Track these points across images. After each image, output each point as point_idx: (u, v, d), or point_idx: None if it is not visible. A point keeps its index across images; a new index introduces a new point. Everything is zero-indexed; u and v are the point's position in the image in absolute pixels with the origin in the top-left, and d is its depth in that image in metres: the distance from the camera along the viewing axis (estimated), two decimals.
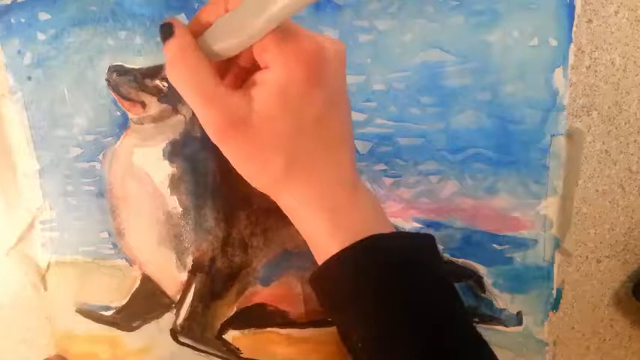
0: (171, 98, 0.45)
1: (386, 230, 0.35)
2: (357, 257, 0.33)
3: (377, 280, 0.33)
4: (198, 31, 0.33)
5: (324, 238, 0.34)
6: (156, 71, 0.45)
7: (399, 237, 0.37)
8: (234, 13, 0.32)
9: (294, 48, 0.31)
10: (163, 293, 0.49)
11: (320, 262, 0.35)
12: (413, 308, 0.33)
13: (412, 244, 0.36)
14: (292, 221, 0.36)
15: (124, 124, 0.47)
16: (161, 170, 0.46)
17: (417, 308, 0.33)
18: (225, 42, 0.32)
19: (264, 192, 0.35)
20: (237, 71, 0.36)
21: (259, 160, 0.33)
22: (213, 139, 0.33)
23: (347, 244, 0.33)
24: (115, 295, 0.50)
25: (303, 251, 0.47)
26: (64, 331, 0.51)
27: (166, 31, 0.32)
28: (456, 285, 0.43)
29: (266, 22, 0.30)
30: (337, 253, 0.33)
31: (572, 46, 0.43)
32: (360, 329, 0.34)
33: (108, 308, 0.50)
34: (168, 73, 0.32)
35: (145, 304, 0.50)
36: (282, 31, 0.31)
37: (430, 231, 0.46)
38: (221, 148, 0.33)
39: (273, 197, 0.36)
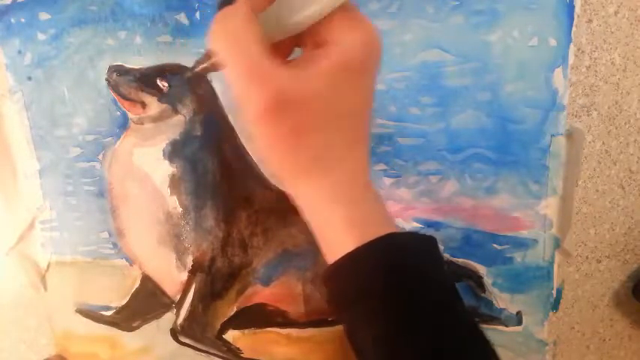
0: (171, 98, 0.45)
1: (395, 229, 0.35)
2: (374, 255, 0.33)
3: (391, 279, 0.33)
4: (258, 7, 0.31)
5: (339, 234, 0.34)
6: (156, 71, 0.45)
7: (413, 238, 0.36)
8: None
9: (365, 28, 0.31)
10: (163, 293, 0.49)
11: (330, 257, 0.35)
12: (423, 309, 0.33)
13: (423, 245, 0.35)
14: (304, 214, 0.35)
15: (124, 124, 0.47)
16: (161, 170, 0.46)
17: (427, 309, 0.33)
18: (297, 15, 0.30)
19: (280, 183, 0.34)
20: (282, 49, 0.34)
21: (287, 146, 0.31)
22: (253, 119, 0.30)
23: (362, 241, 0.33)
24: (115, 295, 0.50)
25: (303, 251, 0.47)
26: (64, 330, 0.51)
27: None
28: (456, 285, 0.43)
29: None
30: (355, 250, 0.33)
31: (572, 46, 0.43)
32: (371, 328, 0.33)
33: (108, 308, 0.50)
34: (215, 40, 0.30)
35: (145, 303, 0.50)
36: (350, 8, 0.30)
37: (430, 231, 0.46)
38: (257, 129, 0.31)
39: (288, 189, 0.35)
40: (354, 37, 0.30)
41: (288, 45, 0.34)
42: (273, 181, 0.35)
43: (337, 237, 0.34)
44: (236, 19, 0.30)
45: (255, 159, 0.42)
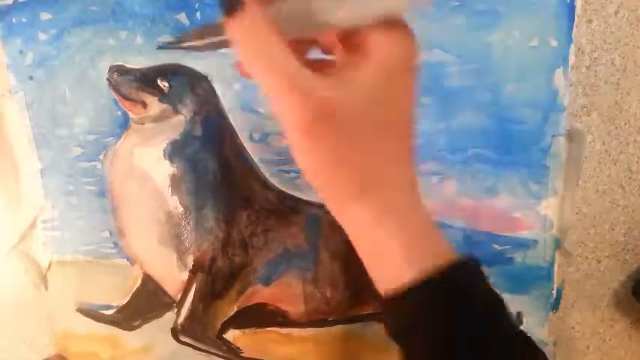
0: (171, 98, 0.45)
1: (448, 249, 0.32)
2: (438, 289, 0.30)
3: (454, 313, 0.31)
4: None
5: (398, 262, 0.31)
6: (157, 71, 0.45)
7: (471, 267, 0.33)
8: None
9: (403, 35, 0.28)
10: (164, 293, 0.49)
11: (385, 283, 0.32)
12: (488, 339, 0.31)
13: (478, 273, 0.33)
14: (355, 240, 0.32)
15: (124, 124, 0.47)
16: (162, 170, 0.46)
17: (486, 338, 0.31)
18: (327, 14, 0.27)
19: (332, 205, 0.31)
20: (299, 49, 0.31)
21: (341, 159, 0.28)
22: (299, 133, 0.27)
23: (422, 270, 0.30)
24: (115, 294, 0.50)
25: (303, 251, 0.47)
26: (64, 330, 0.51)
27: (233, 3, 0.27)
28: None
29: None
30: (417, 285, 0.30)
31: (572, 46, 0.43)
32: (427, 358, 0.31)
33: (109, 307, 0.50)
34: (242, 55, 0.27)
35: (145, 303, 0.50)
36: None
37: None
38: (304, 144, 0.28)
39: (339, 211, 0.31)
40: (392, 42, 0.28)
41: (304, 44, 0.32)
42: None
43: (394, 264, 0.31)
44: (259, 26, 0.27)
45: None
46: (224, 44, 0.29)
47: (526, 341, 0.33)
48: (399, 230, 0.30)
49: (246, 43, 0.27)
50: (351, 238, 0.32)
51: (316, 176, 0.29)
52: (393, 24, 0.28)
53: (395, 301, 0.31)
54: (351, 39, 0.29)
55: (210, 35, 0.29)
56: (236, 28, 0.27)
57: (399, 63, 0.28)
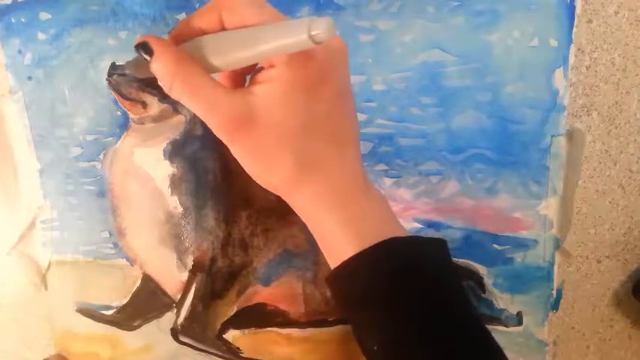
0: (171, 98, 0.45)
1: (399, 232, 0.35)
2: (374, 260, 0.33)
3: (392, 284, 0.33)
4: (184, 36, 0.33)
5: (339, 240, 0.34)
6: None
7: (415, 242, 0.36)
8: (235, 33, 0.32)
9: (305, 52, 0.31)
10: (164, 293, 0.49)
11: (333, 263, 0.35)
12: (426, 313, 0.33)
13: (425, 249, 0.35)
14: (305, 222, 0.36)
15: (124, 124, 0.47)
16: (161, 170, 0.46)
17: (430, 313, 0.33)
18: (228, 56, 0.32)
19: (276, 193, 0.35)
20: (234, 73, 0.36)
21: (267, 159, 0.33)
22: (224, 141, 0.33)
23: (363, 246, 0.33)
24: (115, 294, 0.50)
25: (303, 251, 0.47)
26: (64, 330, 0.51)
27: (146, 50, 0.32)
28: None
29: (259, 55, 0.31)
30: (353, 257, 0.33)
31: (572, 46, 0.43)
32: (375, 333, 0.34)
33: (109, 307, 0.50)
34: (167, 89, 0.32)
35: (145, 303, 0.50)
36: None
37: (430, 231, 0.46)
38: (231, 150, 0.33)
39: (285, 198, 0.36)
40: (290, 59, 0.31)
41: (240, 73, 0.36)
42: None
43: (336, 242, 0.34)
44: (173, 65, 0.31)
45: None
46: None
47: (480, 331, 0.34)
48: (338, 208, 0.34)
49: (170, 79, 0.32)
50: (304, 220, 0.36)
51: (249, 171, 0.34)
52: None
53: (334, 276, 0.35)
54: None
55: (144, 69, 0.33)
56: (157, 69, 0.32)
57: (298, 79, 0.32)
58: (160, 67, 0.32)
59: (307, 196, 0.34)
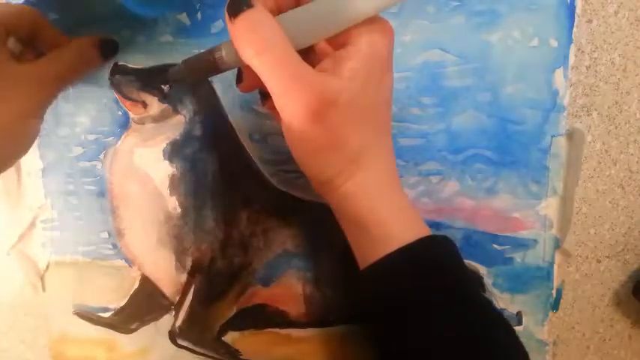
0: (171, 98, 0.45)
1: (424, 229, 0.36)
2: (421, 255, 0.34)
3: (441, 280, 0.33)
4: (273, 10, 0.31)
5: (386, 229, 0.34)
6: (158, 71, 0.45)
7: (448, 239, 0.37)
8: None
9: (380, 26, 0.32)
10: (162, 295, 0.49)
11: (370, 255, 0.34)
12: (464, 312, 0.33)
13: (455, 248, 0.36)
14: (346, 214, 0.35)
15: (125, 124, 0.46)
16: (161, 170, 0.46)
17: (466, 312, 0.33)
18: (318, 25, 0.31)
19: (322, 186, 0.35)
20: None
21: (335, 142, 0.32)
22: (297, 124, 0.31)
23: (406, 238, 0.33)
24: (113, 296, 0.50)
25: (303, 252, 0.47)
26: (60, 333, 0.51)
27: (241, 2, 0.29)
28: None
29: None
30: (400, 249, 0.33)
31: (572, 46, 0.43)
32: (417, 331, 0.33)
33: (106, 309, 0.50)
34: (242, 52, 0.30)
35: (143, 305, 0.49)
36: None
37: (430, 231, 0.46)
38: (300, 135, 0.32)
39: (329, 190, 0.35)
40: (371, 38, 0.31)
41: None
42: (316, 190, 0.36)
43: (382, 231, 0.34)
44: (264, 26, 0.29)
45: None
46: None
47: (499, 321, 0.35)
48: (389, 195, 0.34)
49: (253, 39, 0.29)
50: (337, 213, 0.36)
51: (314, 160, 0.33)
52: (370, 21, 0.31)
53: (378, 271, 0.34)
54: (336, 39, 0.32)
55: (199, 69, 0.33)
56: (241, 26, 0.29)
57: (375, 58, 0.32)
58: (243, 23, 0.29)
59: (359, 184, 0.34)
